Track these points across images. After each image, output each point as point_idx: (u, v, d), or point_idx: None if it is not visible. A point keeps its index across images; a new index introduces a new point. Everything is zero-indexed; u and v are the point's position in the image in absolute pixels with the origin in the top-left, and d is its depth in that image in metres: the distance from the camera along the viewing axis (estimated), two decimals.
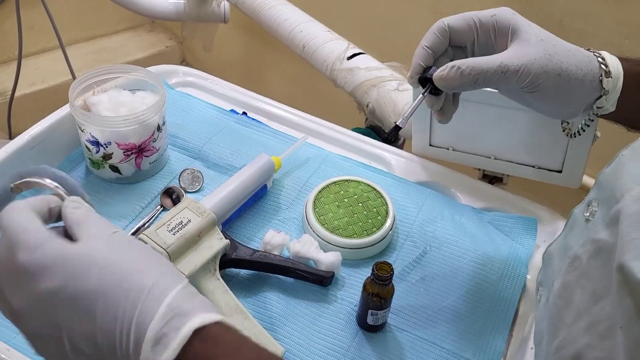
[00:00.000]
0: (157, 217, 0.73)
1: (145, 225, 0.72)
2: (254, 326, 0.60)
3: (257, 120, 0.89)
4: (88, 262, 0.39)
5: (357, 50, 1.00)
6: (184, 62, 2.41)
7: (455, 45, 0.59)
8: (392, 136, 0.62)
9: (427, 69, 0.58)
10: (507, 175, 0.85)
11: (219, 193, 0.70)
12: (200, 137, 0.84)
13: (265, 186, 0.76)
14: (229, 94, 0.92)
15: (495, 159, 0.81)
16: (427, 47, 0.58)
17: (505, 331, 0.66)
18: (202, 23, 1.44)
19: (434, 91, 0.58)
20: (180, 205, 0.65)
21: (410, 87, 0.88)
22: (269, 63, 1.99)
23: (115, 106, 0.75)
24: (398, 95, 0.92)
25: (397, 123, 0.59)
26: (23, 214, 0.41)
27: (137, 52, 2.30)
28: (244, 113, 0.90)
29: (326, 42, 1.02)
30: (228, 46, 1.99)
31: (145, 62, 2.29)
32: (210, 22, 1.44)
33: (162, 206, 0.74)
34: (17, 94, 1.57)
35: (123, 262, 0.39)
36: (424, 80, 0.58)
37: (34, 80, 2.01)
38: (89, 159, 0.76)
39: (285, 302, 0.66)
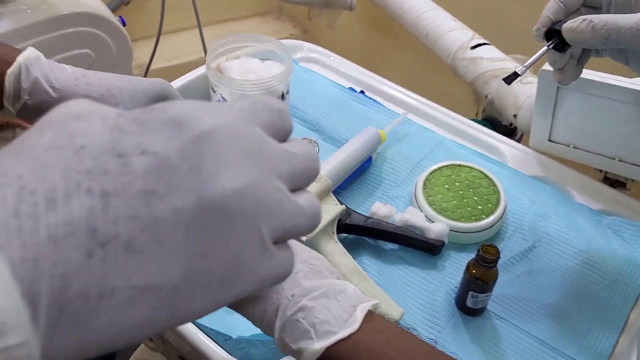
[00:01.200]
0: None
1: None
2: (373, 287, 0.62)
3: (374, 99, 0.90)
4: None
5: (481, 41, 0.99)
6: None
7: (589, 5, 0.57)
8: (509, 81, 0.60)
9: (555, 23, 0.56)
10: (632, 180, 0.80)
11: (333, 160, 0.73)
12: (318, 111, 0.87)
13: (370, 158, 0.78)
14: (349, 72, 0.95)
15: (620, 160, 0.76)
16: (559, 0, 0.56)
17: (614, 336, 0.63)
18: (328, 9, 1.48)
19: (560, 46, 0.56)
20: None
21: (534, 80, 0.85)
22: (385, 57, 2.00)
23: (245, 72, 0.79)
24: (520, 87, 0.89)
25: (517, 70, 0.58)
26: None
27: None
28: (362, 92, 0.91)
29: (451, 31, 1.02)
30: (346, 38, 2.02)
31: None
32: (336, 9, 1.47)
33: None
34: (152, 67, 1.70)
35: None
36: (551, 34, 0.56)
37: (169, 57, 2.17)
38: None
39: (389, 269, 0.68)
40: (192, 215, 0.22)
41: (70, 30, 1.47)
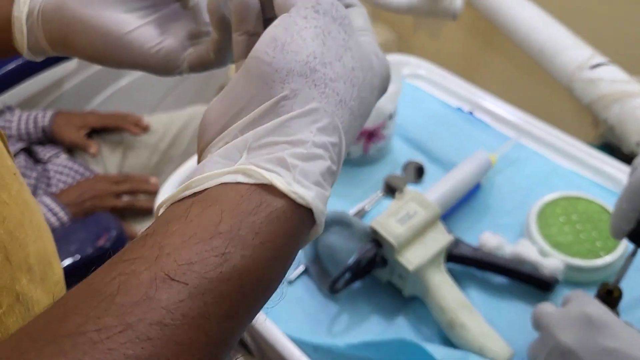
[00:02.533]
0: (377, 202, 0.76)
1: (366, 209, 0.75)
2: (481, 324, 0.60)
3: (483, 121, 0.87)
4: None
5: (602, 60, 0.92)
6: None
7: None
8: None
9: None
10: None
11: (442, 187, 0.71)
12: (425, 131, 0.85)
13: (479, 183, 0.75)
14: (457, 90, 0.92)
15: None
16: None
17: None
18: (431, 18, 1.44)
19: None
20: (406, 197, 0.66)
21: None
22: (488, 66, 1.94)
23: None
24: None
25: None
26: None
27: None
28: (471, 112, 0.88)
29: (567, 48, 0.96)
30: (446, 43, 1.98)
31: None
32: (439, 18, 1.44)
33: (383, 193, 0.77)
34: None
35: None
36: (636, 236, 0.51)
37: None
38: None
39: (498, 304, 0.66)
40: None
41: None
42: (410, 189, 0.76)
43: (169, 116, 1.30)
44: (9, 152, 0.35)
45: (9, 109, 1.17)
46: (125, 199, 1.08)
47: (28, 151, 1.12)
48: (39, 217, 0.35)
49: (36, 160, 1.12)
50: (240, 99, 0.30)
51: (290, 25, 0.30)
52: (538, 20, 1.04)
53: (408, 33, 2.39)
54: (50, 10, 0.40)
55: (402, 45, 2.41)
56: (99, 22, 0.39)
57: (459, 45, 2.00)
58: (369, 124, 0.76)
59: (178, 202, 0.28)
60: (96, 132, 1.21)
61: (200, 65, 0.40)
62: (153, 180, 1.11)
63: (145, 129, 1.22)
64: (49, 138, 1.15)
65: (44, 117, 1.15)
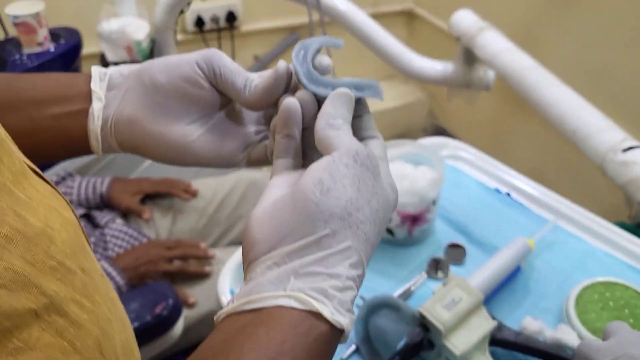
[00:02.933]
0: (422, 283, 0.81)
1: (411, 289, 0.80)
2: None
3: (520, 203, 0.92)
4: None
5: (634, 143, 0.97)
6: (430, 114, 2.53)
7: None
8: None
9: None
10: None
11: (484, 273, 0.75)
12: (466, 213, 0.90)
13: (519, 266, 0.80)
14: (493, 170, 0.97)
15: None
16: None
17: None
18: (466, 89, 1.51)
19: None
20: (451, 283, 0.71)
21: None
22: (519, 130, 1.99)
23: (399, 178, 0.84)
24: None
25: None
26: None
27: (389, 100, 2.48)
28: (508, 194, 0.93)
29: (601, 131, 1.01)
30: (478, 105, 2.04)
31: (395, 111, 2.46)
32: (472, 89, 1.50)
33: (427, 273, 0.82)
34: None
35: None
36: None
37: None
38: None
39: None
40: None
41: None
42: (453, 271, 0.80)
43: (215, 181, 1.37)
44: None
45: (70, 175, 1.26)
46: (177, 263, 1.14)
47: (88, 216, 1.20)
48: (121, 310, 0.39)
49: (94, 225, 1.20)
50: (286, 226, 0.37)
51: (335, 172, 0.38)
52: (572, 102, 1.10)
53: (440, 95, 2.46)
54: (122, 125, 0.46)
55: (435, 105, 2.48)
56: (166, 135, 0.46)
57: (490, 110, 2.05)
58: (414, 210, 0.82)
59: (239, 314, 0.36)
60: (148, 197, 1.28)
61: (258, 164, 0.48)
62: (203, 245, 1.18)
63: (194, 194, 1.30)
64: (105, 203, 1.23)
65: (102, 184, 1.23)
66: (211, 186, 1.35)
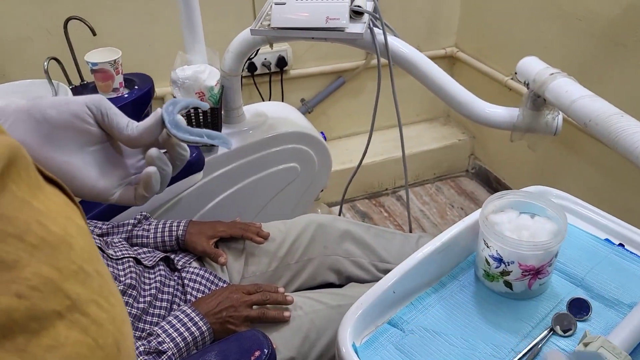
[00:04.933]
0: (547, 339, 0.78)
1: (539, 346, 0.77)
2: None
3: (636, 254, 0.89)
4: None
5: None
6: (472, 155, 2.52)
7: None
8: None
9: None
10: None
11: (623, 331, 0.72)
12: (581, 265, 0.87)
13: None
14: (600, 221, 0.95)
15: None
16: None
17: None
18: (530, 133, 1.50)
19: None
20: (595, 344, 0.68)
21: None
22: (566, 168, 1.97)
23: (517, 228, 0.82)
24: None
25: None
26: None
27: (431, 142, 2.48)
28: (621, 244, 0.91)
29: None
30: (519, 146, 2.04)
31: (437, 152, 2.45)
32: (539, 133, 1.49)
33: (552, 329, 0.79)
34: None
35: None
36: None
37: (343, 160, 2.30)
38: (484, 270, 0.84)
39: None
40: None
41: (284, 147, 1.61)
42: (579, 327, 0.78)
43: (284, 224, 1.35)
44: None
45: (146, 218, 1.24)
46: (256, 308, 1.11)
47: (166, 260, 1.17)
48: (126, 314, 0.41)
49: (171, 268, 1.17)
50: None
51: None
52: None
53: (481, 136, 2.46)
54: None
55: (477, 147, 2.48)
56: (53, 161, 0.53)
57: (531, 151, 2.04)
58: (535, 262, 0.79)
59: None
60: (221, 239, 1.26)
61: (127, 204, 0.58)
62: (281, 289, 1.15)
63: (266, 237, 1.28)
64: (181, 246, 1.21)
65: (178, 227, 1.21)
66: (281, 229, 1.33)
